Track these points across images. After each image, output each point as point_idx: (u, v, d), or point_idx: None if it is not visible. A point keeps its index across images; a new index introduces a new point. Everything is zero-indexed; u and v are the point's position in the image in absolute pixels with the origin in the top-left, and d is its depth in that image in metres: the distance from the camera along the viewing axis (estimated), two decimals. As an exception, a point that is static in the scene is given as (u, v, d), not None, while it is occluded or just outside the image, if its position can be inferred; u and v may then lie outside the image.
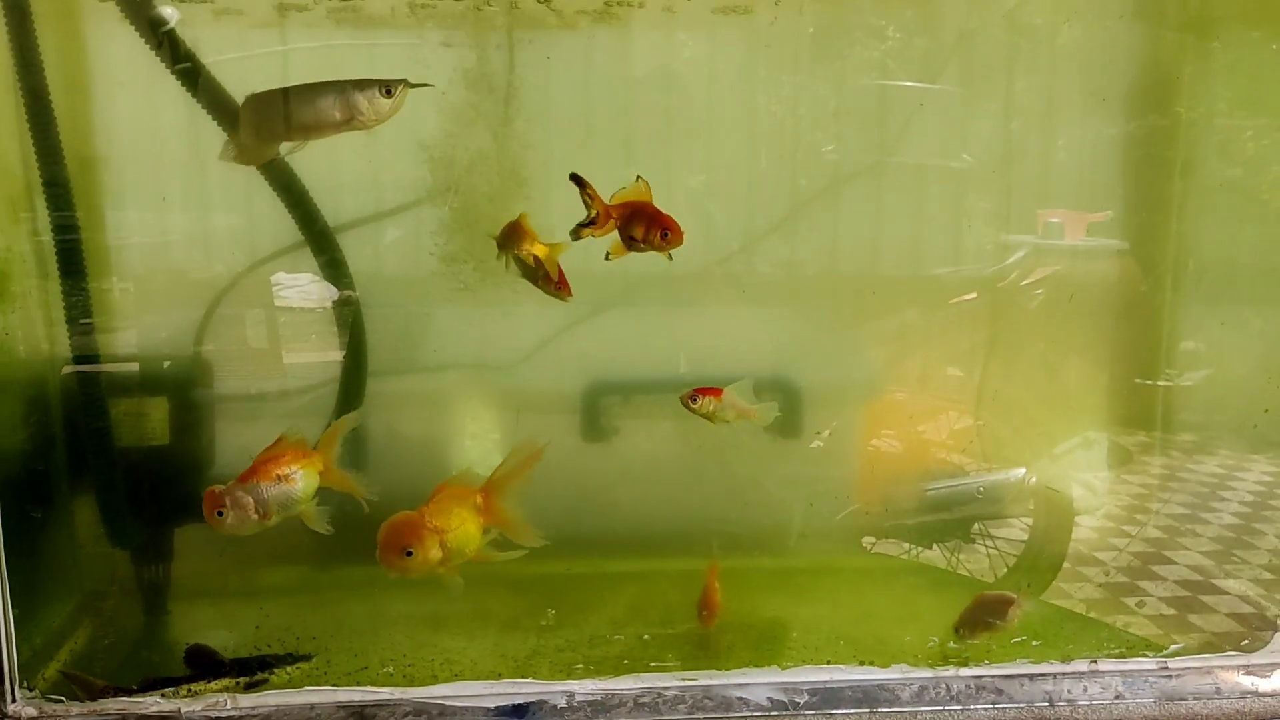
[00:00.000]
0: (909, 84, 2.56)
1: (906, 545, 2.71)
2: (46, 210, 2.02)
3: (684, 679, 1.86)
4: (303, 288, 2.38)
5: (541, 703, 1.81)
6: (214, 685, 1.85)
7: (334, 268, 2.31)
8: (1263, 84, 2.60)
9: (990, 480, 2.72)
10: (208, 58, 2.09)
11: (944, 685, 1.86)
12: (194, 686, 1.83)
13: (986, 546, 2.74)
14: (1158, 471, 3.03)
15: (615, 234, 1.78)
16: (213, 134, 2.08)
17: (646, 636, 2.15)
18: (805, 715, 1.82)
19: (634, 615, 2.25)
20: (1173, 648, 1.98)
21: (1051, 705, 1.85)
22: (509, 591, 2.28)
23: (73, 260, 2.04)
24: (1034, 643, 2.06)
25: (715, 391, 1.97)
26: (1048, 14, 2.57)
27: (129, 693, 1.79)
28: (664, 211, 1.75)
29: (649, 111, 2.52)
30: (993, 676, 1.88)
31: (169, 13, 2.03)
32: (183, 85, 2.05)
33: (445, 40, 2.38)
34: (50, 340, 2.14)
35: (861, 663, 1.93)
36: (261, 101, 1.81)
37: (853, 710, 1.84)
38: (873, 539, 2.70)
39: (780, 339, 2.66)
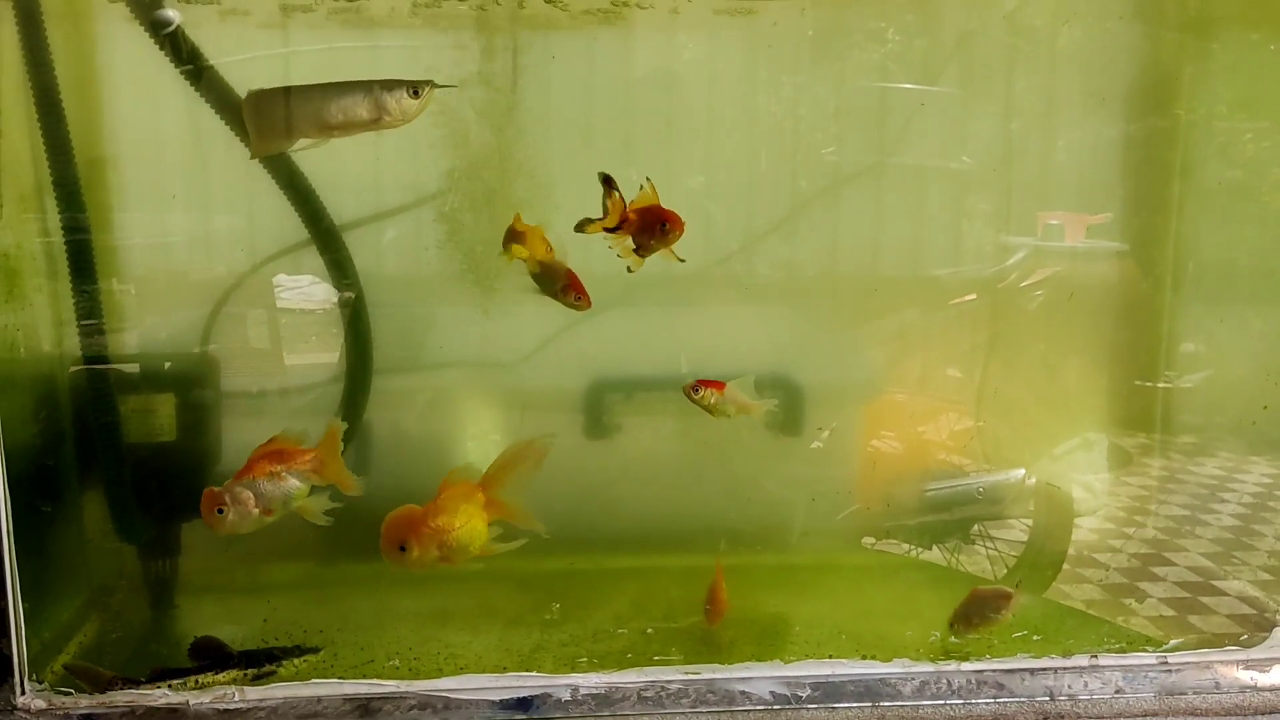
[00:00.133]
0: (909, 86, 2.58)
1: (906, 546, 2.72)
2: (57, 209, 2.04)
3: (687, 673, 1.87)
4: (305, 288, 2.40)
5: (546, 696, 1.82)
6: (222, 677, 1.87)
7: (339, 266, 2.33)
8: (1262, 86, 2.62)
9: (990, 481, 2.73)
10: (215, 58, 2.11)
11: (945, 680, 1.88)
12: (202, 678, 1.84)
13: (986, 547, 2.75)
14: (1157, 473, 3.04)
15: (626, 242, 1.81)
16: (214, 134, 2.11)
17: (650, 631, 2.17)
18: (808, 709, 1.83)
19: (637, 611, 2.27)
20: (1173, 643, 1.99)
21: (1052, 700, 1.86)
22: (513, 587, 2.29)
23: (82, 259, 2.06)
24: (1035, 638, 2.08)
25: (718, 384, 1.99)
26: (1047, 15, 2.58)
27: (136, 684, 1.80)
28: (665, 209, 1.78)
29: (650, 112, 2.54)
30: (994, 671, 1.89)
31: (172, 14, 2.05)
32: (192, 85, 2.06)
33: (448, 42, 2.40)
34: (59, 337, 2.16)
35: (863, 657, 1.94)
36: (263, 98, 1.84)
37: (855, 704, 1.85)
38: (873, 539, 2.71)
39: (780, 338, 2.68)
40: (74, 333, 2.12)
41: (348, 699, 1.80)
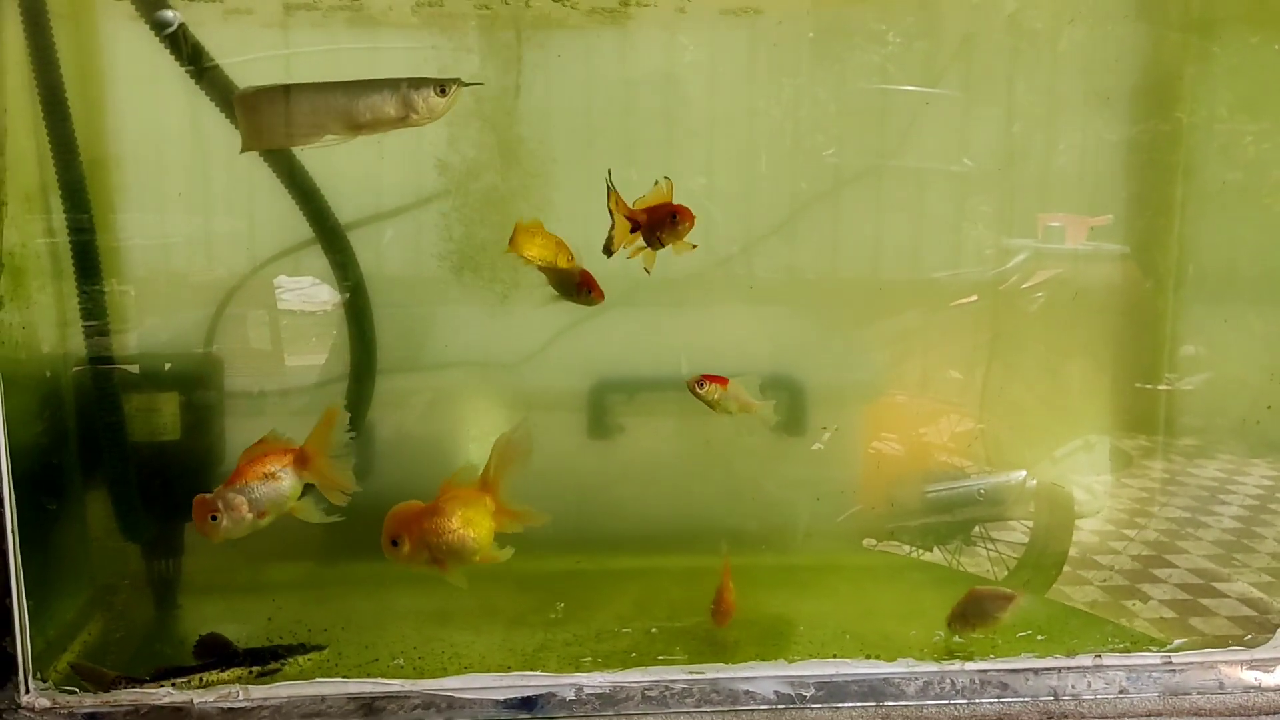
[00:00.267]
0: (910, 88, 2.59)
1: (908, 547, 2.72)
2: (62, 209, 2.05)
3: (691, 672, 1.87)
4: (306, 289, 2.41)
5: (550, 695, 1.82)
6: (227, 675, 1.87)
7: (343, 267, 2.34)
8: (1264, 87, 2.63)
9: (991, 482, 2.73)
10: (219, 58, 2.12)
11: (949, 680, 1.88)
12: (207, 676, 1.84)
13: (987, 549, 2.76)
14: (1158, 474, 3.04)
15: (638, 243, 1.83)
16: (217, 135, 2.12)
17: (654, 630, 2.17)
18: (812, 709, 1.84)
19: (641, 610, 2.27)
20: (1176, 643, 1.99)
21: (1056, 699, 1.86)
22: (516, 588, 2.29)
23: (87, 258, 2.07)
24: (1039, 638, 2.08)
25: (722, 380, 2.00)
26: (1049, 17, 2.59)
27: (141, 683, 1.80)
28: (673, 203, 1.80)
29: (652, 112, 2.55)
30: (998, 671, 1.89)
31: (172, 14, 2.06)
32: (197, 84, 2.07)
33: (449, 43, 2.40)
34: (64, 336, 2.16)
35: (867, 657, 1.94)
36: (255, 96, 1.84)
37: (859, 704, 1.85)
38: (874, 540, 2.71)
39: (782, 340, 2.68)
40: (78, 332, 2.12)
41: (352, 698, 1.80)
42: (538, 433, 2.21)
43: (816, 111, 2.62)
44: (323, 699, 1.79)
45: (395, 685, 1.82)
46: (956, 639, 2.08)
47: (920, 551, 2.72)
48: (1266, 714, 1.86)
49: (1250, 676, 1.90)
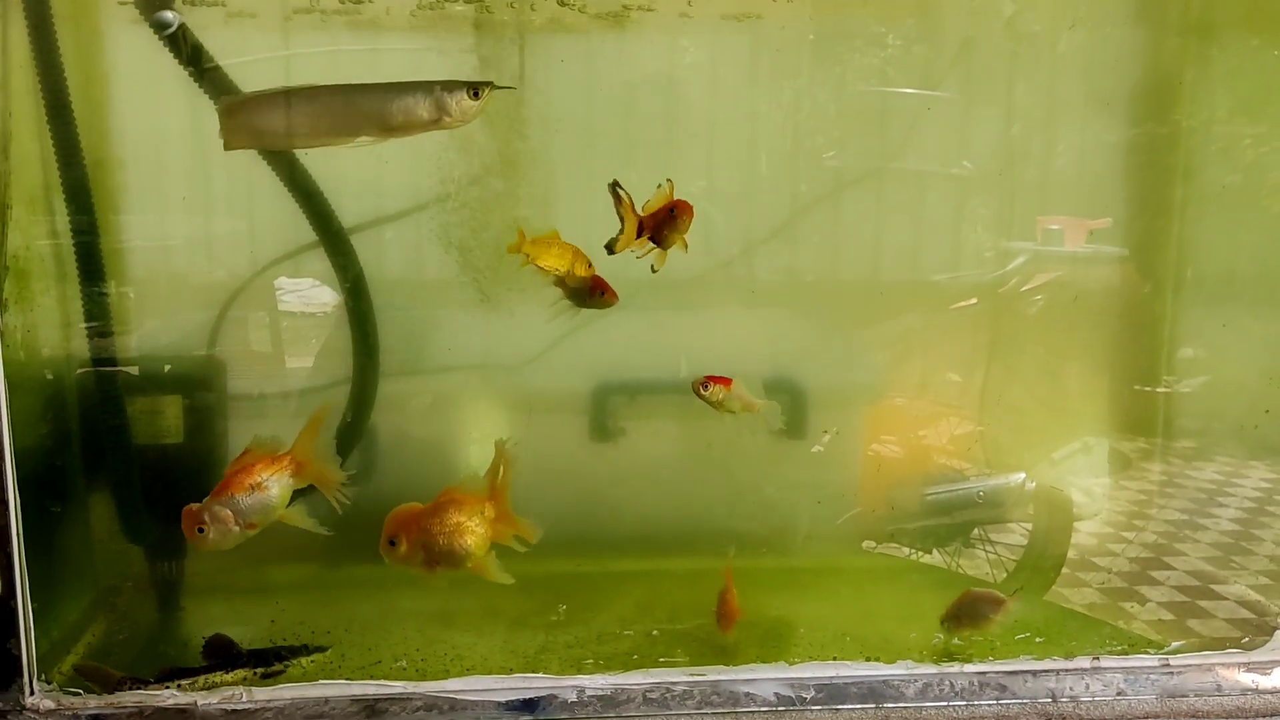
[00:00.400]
0: (910, 91, 2.59)
1: (907, 550, 2.73)
2: (66, 211, 2.06)
3: (692, 674, 1.88)
4: (306, 291, 2.42)
5: (552, 697, 1.83)
6: (231, 676, 1.88)
7: (345, 270, 2.35)
8: (1263, 90, 2.63)
9: (990, 485, 2.74)
10: (221, 59, 2.13)
11: (948, 681, 1.89)
12: (211, 677, 1.85)
13: (986, 551, 2.76)
14: (1157, 477, 3.05)
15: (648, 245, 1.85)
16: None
17: (655, 632, 2.18)
18: (812, 711, 1.85)
19: (642, 613, 2.28)
20: (1174, 645, 2.01)
21: (1055, 701, 1.87)
22: (518, 590, 2.29)
23: (91, 261, 2.08)
24: (1037, 640, 2.10)
25: (725, 381, 2.02)
26: (1048, 21, 2.60)
27: (145, 684, 1.81)
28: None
29: (653, 115, 2.56)
30: (997, 673, 1.90)
31: (171, 16, 2.07)
32: (200, 86, 2.08)
33: (455, 46, 2.41)
34: (67, 338, 2.17)
35: (867, 659, 1.96)
36: (236, 103, 1.86)
37: (859, 706, 1.86)
38: (873, 542, 2.72)
39: (783, 342, 2.69)
40: (82, 334, 2.13)
41: (355, 700, 1.81)
42: (539, 435, 2.23)
43: (817, 114, 2.62)
44: (326, 700, 1.80)
45: (398, 687, 1.83)
46: (955, 641, 2.09)
47: (920, 554, 2.73)
48: (1264, 716, 1.87)
49: (1247, 679, 1.92)
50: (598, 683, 1.86)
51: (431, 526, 1.77)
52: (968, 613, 2.10)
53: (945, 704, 1.87)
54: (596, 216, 1.95)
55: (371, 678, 1.87)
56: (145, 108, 2.36)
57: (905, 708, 1.86)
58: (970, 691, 1.88)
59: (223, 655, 1.93)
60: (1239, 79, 2.66)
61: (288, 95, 1.80)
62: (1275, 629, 1.99)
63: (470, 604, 2.21)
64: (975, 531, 2.78)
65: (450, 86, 1.74)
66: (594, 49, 2.48)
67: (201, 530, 1.68)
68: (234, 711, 1.78)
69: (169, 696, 1.79)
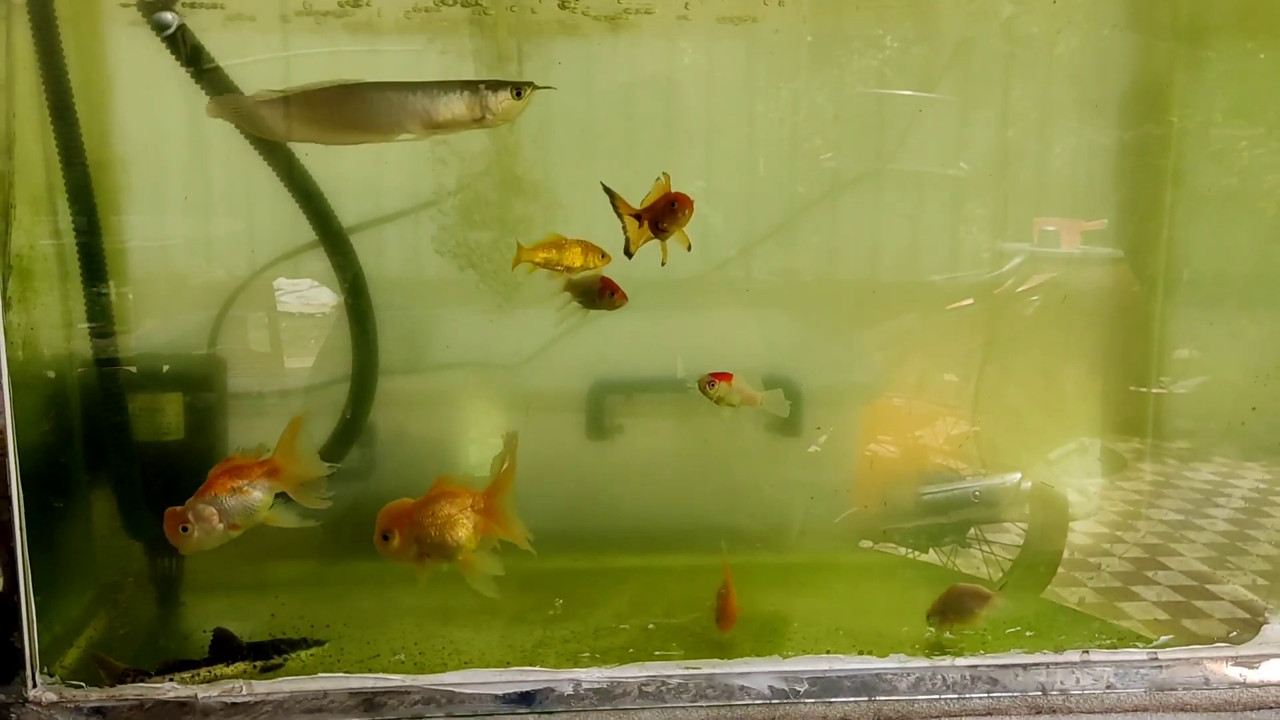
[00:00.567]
0: (907, 93, 2.61)
1: (904, 549, 2.75)
2: (69, 211, 2.08)
3: (687, 668, 1.90)
4: (305, 291, 2.44)
5: (549, 690, 1.85)
6: (231, 669, 1.90)
7: (345, 270, 2.37)
8: (1254, 93, 2.65)
9: (986, 484, 2.75)
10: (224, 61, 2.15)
11: (940, 675, 1.91)
12: (212, 669, 1.87)
13: (982, 550, 2.78)
14: (1151, 477, 3.07)
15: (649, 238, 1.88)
16: (219, 137, 2.15)
17: (650, 627, 2.20)
18: (805, 703, 1.86)
19: (638, 608, 2.29)
20: (1163, 639, 2.03)
21: (1045, 695, 1.89)
22: (515, 585, 2.31)
23: (94, 260, 2.10)
24: (1028, 634, 2.11)
25: (726, 375, 2.06)
26: (1043, 23, 2.62)
27: (149, 675, 1.83)
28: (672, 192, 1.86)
29: (651, 117, 2.57)
30: (988, 666, 1.92)
31: (170, 17, 2.09)
32: (201, 87, 2.10)
33: (454, 47, 2.43)
34: (69, 337, 2.19)
35: (860, 653, 1.97)
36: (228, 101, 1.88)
37: (851, 699, 1.88)
38: (870, 542, 2.74)
39: (779, 342, 2.71)
40: (84, 333, 2.15)
41: (353, 693, 1.83)
42: (537, 433, 2.24)
43: (814, 116, 2.64)
44: (325, 694, 1.82)
45: (396, 680, 1.85)
46: (948, 635, 2.11)
47: (916, 553, 2.75)
48: (1251, 709, 1.89)
49: (1235, 673, 1.94)
50: (594, 676, 1.87)
51: (423, 519, 1.79)
52: (954, 607, 2.12)
53: (937, 697, 1.88)
54: (593, 217, 1.98)
55: (370, 671, 1.89)
56: (146, 109, 2.37)
57: (897, 701, 1.88)
58: (962, 685, 1.90)
59: (223, 648, 1.95)
60: (1230, 82, 2.68)
61: (338, 90, 1.83)
62: (1263, 624, 2.01)
63: (468, 600, 2.21)
64: (971, 531, 2.79)
65: (494, 86, 1.79)
66: (592, 51, 2.50)
67: (185, 530, 1.71)
68: (234, 704, 1.80)
69: (170, 689, 1.81)
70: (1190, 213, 2.71)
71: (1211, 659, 1.95)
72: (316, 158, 2.27)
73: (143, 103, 2.36)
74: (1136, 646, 1.99)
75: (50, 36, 2.00)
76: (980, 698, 1.89)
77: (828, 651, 1.99)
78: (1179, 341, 2.79)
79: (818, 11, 2.55)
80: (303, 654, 2.00)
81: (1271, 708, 1.89)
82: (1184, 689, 1.91)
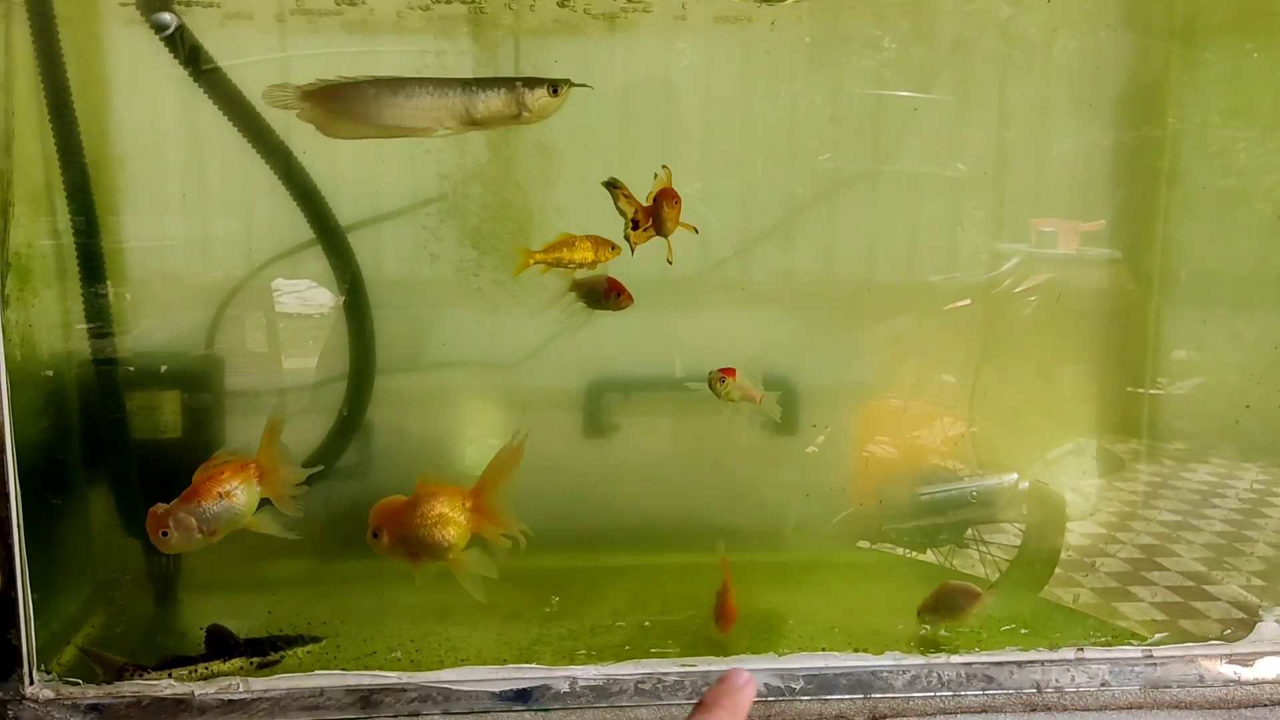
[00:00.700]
0: (904, 93, 2.62)
1: (901, 550, 2.75)
2: (67, 210, 2.08)
3: (683, 665, 1.91)
4: (303, 292, 2.44)
5: (545, 688, 1.85)
6: (227, 665, 1.90)
7: (342, 270, 2.38)
8: (1249, 94, 2.66)
9: (983, 485, 2.76)
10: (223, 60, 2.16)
11: (935, 673, 1.91)
12: (209, 665, 1.88)
13: (980, 550, 2.78)
14: (1148, 478, 3.07)
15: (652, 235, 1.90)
16: (218, 138, 2.15)
17: (647, 624, 2.20)
18: (801, 701, 1.87)
19: (634, 605, 2.30)
20: (1157, 637, 2.03)
21: (1040, 692, 1.90)
22: (512, 583, 2.32)
23: (92, 259, 2.11)
24: (1023, 631, 2.12)
25: (730, 371, 2.09)
26: (1040, 24, 2.62)
27: (147, 670, 1.83)
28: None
29: (648, 117, 2.58)
30: (983, 664, 1.92)
31: (169, 17, 2.10)
32: (202, 87, 2.11)
33: (451, 47, 2.44)
34: (68, 334, 2.20)
35: (856, 650, 1.98)
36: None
37: (847, 696, 1.88)
38: (867, 542, 2.74)
39: (776, 342, 2.71)
40: (82, 331, 2.15)
41: (350, 690, 1.83)
42: (534, 432, 2.23)
43: (812, 117, 2.65)
44: (321, 691, 1.83)
45: (392, 678, 1.85)
46: (942, 633, 2.12)
47: (913, 553, 2.75)
48: (1246, 707, 1.89)
49: (1230, 670, 1.94)
50: (590, 673, 1.88)
51: (410, 519, 1.79)
52: (945, 604, 2.13)
53: (932, 694, 1.89)
54: (594, 218, 1.99)
55: (366, 668, 1.89)
56: (144, 108, 2.38)
57: (893, 698, 1.88)
58: (957, 682, 1.90)
59: (219, 644, 1.95)
60: (1225, 82, 2.68)
61: (375, 85, 1.84)
62: (1257, 621, 2.01)
63: (465, 597, 2.22)
64: (969, 531, 2.80)
65: (531, 83, 1.81)
66: (590, 51, 2.51)
67: (165, 534, 1.72)
68: (231, 701, 1.80)
69: (167, 686, 1.81)
70: (1186, 213, 2.72)
71: (1206, 656, 1.95)
72: (314, 158, 2.28)
73: (141, 102, 2.37)
74: (1131, 644, 2.00)
75: (49, 35, 2.00)
76: (975, 695, 1.89)
77: (823, 649, 1.99)
78: (1175, 342, 2.79)
79: (815, 11, 2.56)
80: (299, 651, 2.01)
81: (1266, 705, 1.89)
82: (1178, 686, 1.91)
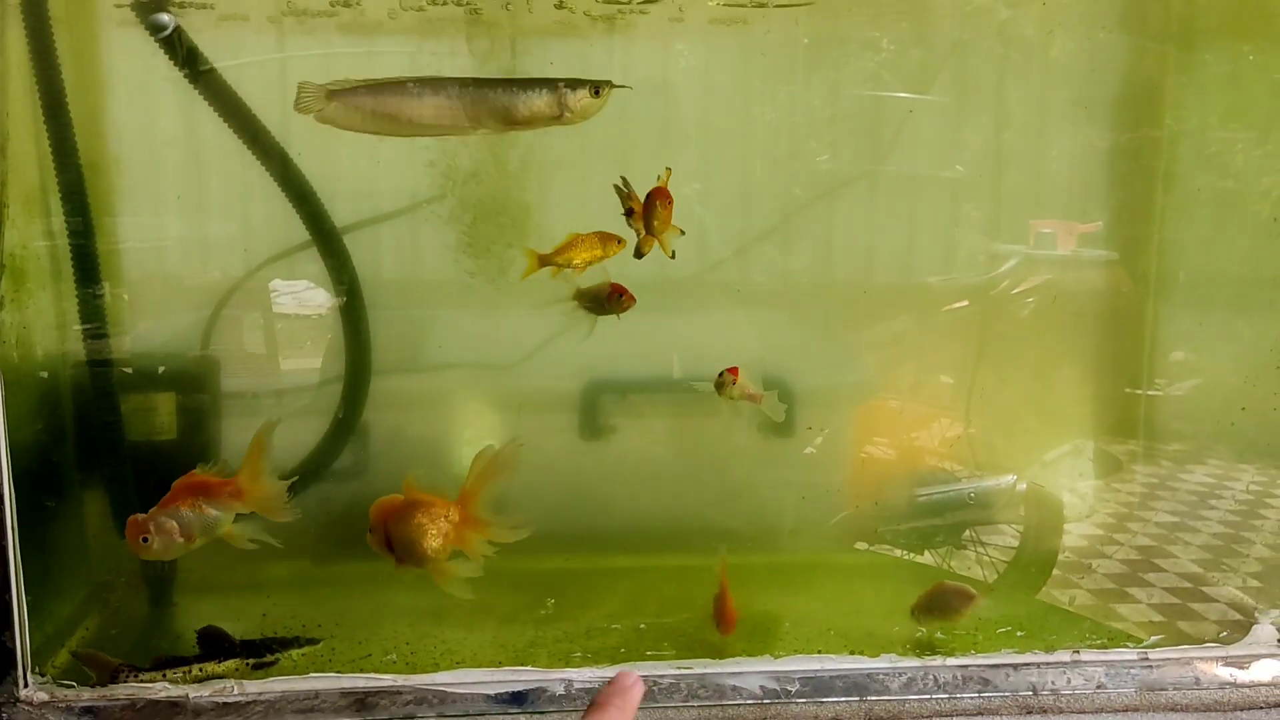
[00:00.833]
0: (902, 95, 2.62)
1: (899, 551, 2.75)
2: (62, 211, 2.08)
3: (679, 668, 1.91)
4: (301, 293, 2.44)
5: (540, 690, 1.85)
6: (223, 666, 1.90)
7: (338, 270, 2.37)
8: (1245, 96, 2.66)
9: (981, 486, 2.76)
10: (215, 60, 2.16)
11: (932, 675, 1.91)
12: (205, 666, 1.88)
13: (978, 552, 2.78)
14: (1145, 479, 3.07)
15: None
16: (218, 138, 2.15)
17: (643, 626, 2.20)
18: (797, 703, 1.87)
19: (630, 608, 2.29)
20: (1153, 639, 2.03)
21: (1035, 694, 1.90)
22: (508, 586, 2.32)
23: (86, 260, 2.11)
24: (1019, 634, 2.12)
25: (733, 370, 2.10)
26: (1037, 26, 2.63)
27: (142, 671, 1.83)
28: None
29: (645, 119, 2.58)
30: (979, 666, 1.92)
31: (167, 19, 2.10)
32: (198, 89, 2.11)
33: (446, 48, 2.44)
34: (63, 336, 2.19)
35: (852, 653, 1.98)
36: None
37: (843, 699, 1.88)
38: (865, 544, 2.74)
39: (774, 343, 2.71)
40: (77, 332, 2.15)
41: (345, 693, 1.83)
42: (530, 433, 2.25)
43: (810, 117, 2.65)
44: (316, 694, 1.82)
45: (388, 680, 1.85)
46: (938, 635, 2.12)
47: (911, 555, 2.75)
48: (1241, 709, 1.89)
49: (1225, 673, 1.94)
50: (585, 676, 1.87)
51: (398, 522, 1.79)
52: (938, 605, 2.13)
53: (928, 697, 1.89)
54: (592, 218, 1.99)
55: (362, 671, 1.89)
56: (140, 109, 2.38)
57: (889, 701, 1.88)
58: (953, 685, 1.90)
59: (215, 646, 1.95)
60: (1222, 84, 2.68)
61: (418, 84, 1.84)
62: (1253, 624, 2.01)
63: (461, 601, 2.23)
64: (966, 533, 2.80)
65: (573, 84, 1.82)
66: (587, 51, 2.51)
67: (145, 539, 1.72)
68: (225, 704, 1.80)
69: (161, 689, 1.81)
70: (1183, 215, 2.72)
71: (1202, 659, 1.95)
72: (311, 159, 2.28)
73: (136, 103, 2.37)
74: (1127, 646, 2.00)
75: (44, 36, 2.00)
76: (971, 697, 1.89)
77: (819, 651, 1.99)
78: (1172, 343, 2.79)
79: (812, 12, 2.56)
80: (294, 653, 2.00)
81: (1262, 708, 1.89)
82: (1174, 689, 1.91)
